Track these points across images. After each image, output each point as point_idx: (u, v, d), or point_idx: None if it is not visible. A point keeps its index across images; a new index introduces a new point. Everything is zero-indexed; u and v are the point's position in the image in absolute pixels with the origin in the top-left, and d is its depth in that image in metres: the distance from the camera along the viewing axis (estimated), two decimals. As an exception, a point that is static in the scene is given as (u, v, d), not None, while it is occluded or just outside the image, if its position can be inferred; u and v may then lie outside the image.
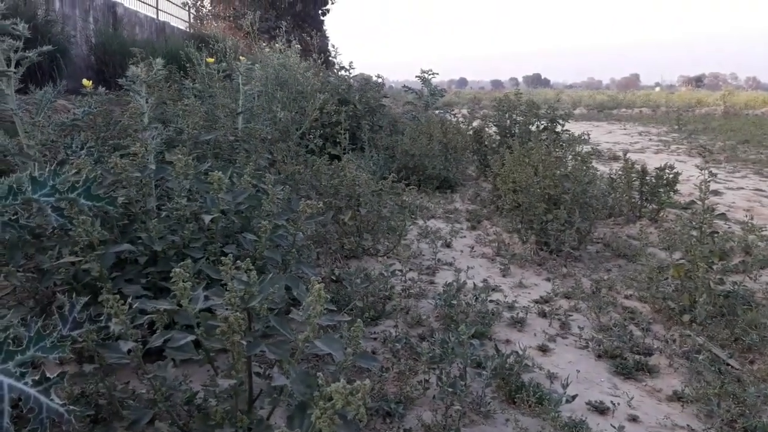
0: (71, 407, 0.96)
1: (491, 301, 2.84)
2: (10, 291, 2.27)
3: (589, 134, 6.68)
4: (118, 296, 1.29)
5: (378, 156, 5.92)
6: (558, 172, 4.21)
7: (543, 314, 2.84)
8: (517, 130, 6.73)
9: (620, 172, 5.10)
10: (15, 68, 2.35)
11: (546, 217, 3.83)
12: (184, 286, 1.30)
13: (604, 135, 13.41)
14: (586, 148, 5.96)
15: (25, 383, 0.96)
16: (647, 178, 4.97)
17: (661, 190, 4.92)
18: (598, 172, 4.71)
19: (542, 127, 6.75)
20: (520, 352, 2.15)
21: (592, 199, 4.03)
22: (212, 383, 1.40)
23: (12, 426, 0.96)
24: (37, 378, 0.97)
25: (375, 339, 2.35)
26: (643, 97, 28.58)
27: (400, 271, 2.72)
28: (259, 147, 3.68)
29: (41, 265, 2.08)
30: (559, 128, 6.71)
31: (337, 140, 5.23)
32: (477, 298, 2.69)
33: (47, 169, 1.19)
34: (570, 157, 4.83)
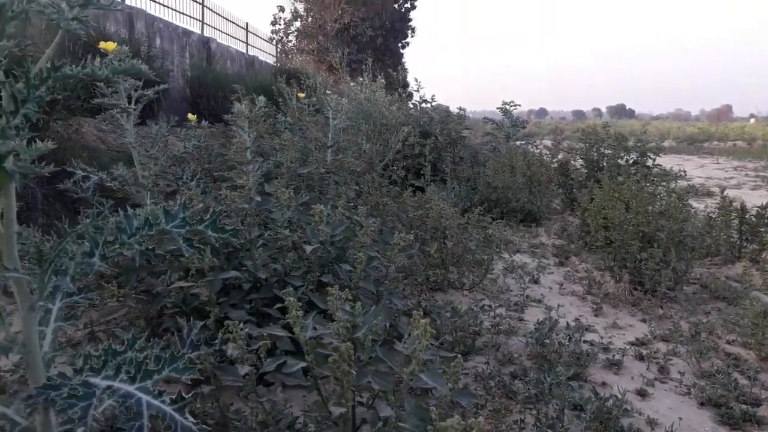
0: (202, 425, 1.03)
1: (585, 341, 2.76)
2: (124, 312, 2.45)
3: (684, 170, 6.40)
4: (236, 322, 1.37)
5: (460, 188, 5.94)
6: (651, 208, 4.07)
7: (640, 357, 2.73)
8: (605, 164, 6.56)
9: (717, 210, 4.85)
10: (134, 105, 2.57)
11: (640, 256, 3.70)
12: (296, 315, 1.36)
13: (695, 169, 12.80)
14: (681, 184, 5.73)
15: (163, 401, 1.04)
16: (747, 216, 4.70)
17: (763, 229, 4.63)
18: (693, 210, 4.52)
19: (632, 161, 6.55)
20: (619, 396, 2.08)
21: (688, 238, 3.86)
22: (317, 409, 1.45)
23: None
24: (174, 397, 1.04)
25: (466, 375, 2.34)
26: (737, 130, 27.12)
27: (489, 306, 2.70)
28: (348, 179, 3.80)
29: (153, 289, 2.24)
30: (650, 162, 6.48)
31: (421, 172, 5.30)
32: (570, 338, 2.63)
33: (179, 202, 1.29)
34: (663, 192, 4.66)
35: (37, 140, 1.20)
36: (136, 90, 2.56)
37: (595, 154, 6.77)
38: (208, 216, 1.31)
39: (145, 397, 1.05)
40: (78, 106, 3.97)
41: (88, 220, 1.23)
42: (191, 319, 1.58)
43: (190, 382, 1.34)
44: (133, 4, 10.43)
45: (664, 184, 5.70)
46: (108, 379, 1.12)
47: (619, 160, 6.51)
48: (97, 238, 1.23)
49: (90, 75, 1.14)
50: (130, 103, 2.38)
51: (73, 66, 1.11)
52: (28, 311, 1.22)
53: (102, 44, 2.14)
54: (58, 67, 1.07)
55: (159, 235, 1.26)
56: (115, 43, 2.26)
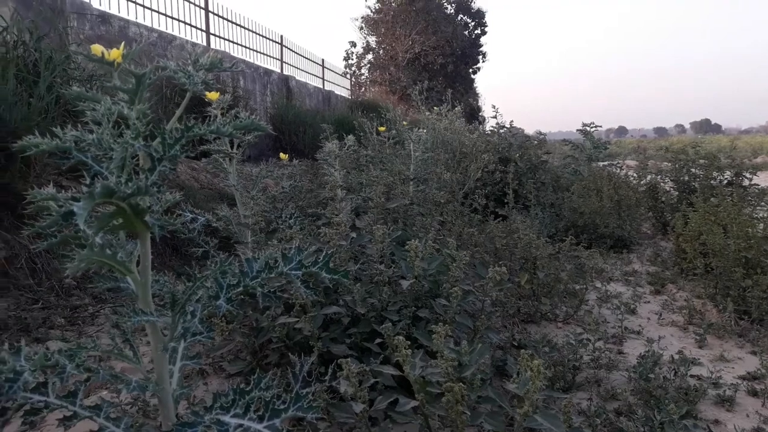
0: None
1: (691, 375, 2.62)
2: (230, 348, 2.56)
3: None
4: (348, 360, 1.41)
5: (543, 214, 5.83)
6: (752, 231, 3.83)
7: (754, 393, 2.56)
8: (697, 185, 6.25)
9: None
10: (236, 149, 2.73)
11: (744, 283, 3.48)
12: (405, 353, 1.39)
13: (797, 185, 11.92)
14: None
15: (291, 440, 1.09)
16: None
17: None
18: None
19: (725, 181, 6.22)
20: (737, 436, 1.95)
21: (798, 263, 3.60)
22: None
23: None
24: (302, 437, 1.09)
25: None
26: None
27: (588, 340, 2.62)
28: (432, 210, 3.83)
29: (259, 324, 2.34)
30: (746, 182, 6.13)
31: (504, 200, 5.25)
32: (676, 372, 2.50)
33: (293, 246, 1.36)
34: (765, 213, 4.38)
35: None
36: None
37: (686, 175, 6.47)
38: (321, 258, 1.37)
39: (274, 437, 1.11)
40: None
41: (212, 265, 1.32)
42: (302, 355, 1.64)
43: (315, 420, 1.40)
44: (217, 47, 11.08)
45: (763, 204, 5.37)
46: (237, 417, 1.18)
47: (712, 181, 6.19)
48: (222, 281, 1.31)
49: (216, 132, 1.23)
50: (232, 147, 2.52)
51: (202, 125, 1.21)
52: (161, 351, 1.31)
53: (208, 95, 2.29)
54: (190, 127, 1.17)
55: (277, 278, 1.33)
56: (217, 93, 2.41)
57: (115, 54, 1.07)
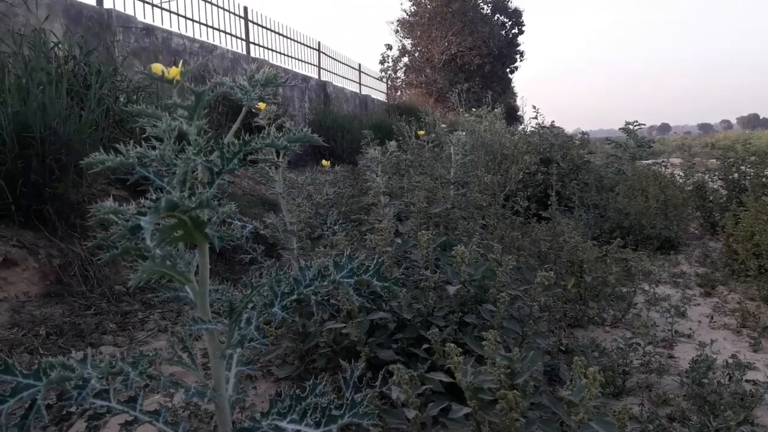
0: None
1: (747, 380, 2.54)
2: (278, 352, 2.60)
3: None
4: (400, 366, 1.42)
5: (587, 215, 5.73)
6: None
7: (814, 398, 2.47)
8: (747, 183, 6.05)
9: None
10: (282, 158, 2.78)
11: (801, 284, 3.36)
12: (458, 360, 1.39)
13: None
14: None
15: (348, 447, 1.11)
16: None
17: None
18: None
19: (778, 178, 5.99)
20: (798, 445, 1.89)
21: None
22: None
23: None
24: (359, 443, 1.10)
25: (620, 417, 2.23)
26: None
27: (638, 344, 2.57)
28: (474, 214, 3.81)
29: (307, 329, 2.37)
30: (800, 178, 5.90)
31: (547, 201, 5.19)
32: (731, 377, 2.43)
33: (345, 255, 1.38)
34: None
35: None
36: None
37: (736, 173, 6.27)
38: (372, 266, 1.39)
39: (331, 443, 1.13)
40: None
41: (268, 274, 1.35)
42: (350, 360, 1.66)
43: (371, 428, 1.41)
44: (256, 55, 11.27)
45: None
46: (294, 423, 1.20)
47: (764, 179, 5.98)
48: (277, 289, 1.34)
49: (272, 145, 1.26)
50: (278, 156, 2.57)
51: (258, 139, 1.24)
52: (218, 358, 1.35)
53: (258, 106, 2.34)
54: (248, 141, 1.20)
55: (330, 285, 1.35)
56: (265, 104, 2.45)
57: (174, 72, 1.11)
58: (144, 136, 1.23)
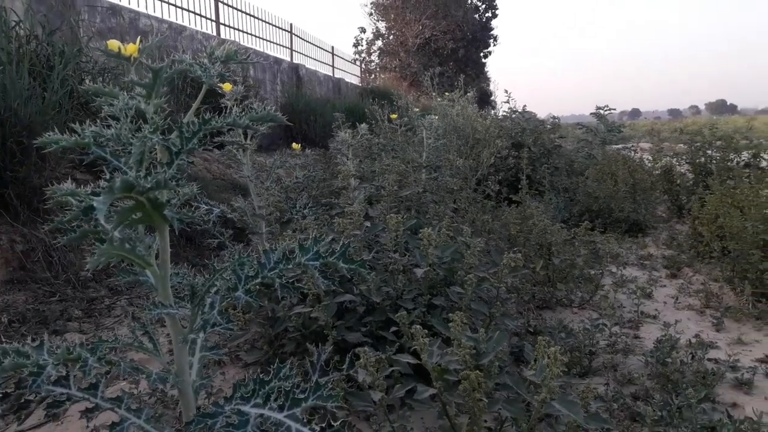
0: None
1: (709, 359, 2.61)
2: (246, 337, 2.58)
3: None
4: (365, 348, 1.42)
5: (557, 199, 5.79)
6: (768, 212, 3.78)
7: (772, 376, 2.55)
8: (713, 167, 6.18)
9: None
10: (250, 140, 2.73)
11: (762, 266, 3.44)
12: (423, 342, 1.39)
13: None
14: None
15: (312, 429, 1.10)
16: None
17: None
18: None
19: (743, 162, 6.13)
20: (755, 418, 1.94)
21: (818, 245, 3.55)
22: (446, 436, 1.47)
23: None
24: (323, 425, 1.10)
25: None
26: None
27: (605, 324, 2.61)
28: (446, 198, 3.82)
29: (275, 314, 2.35)
30: (764, 163, 6.05)
31: (518, 186, 5.22)
32: (693, 356, 2.49)
33: (311, 237, 1.36)
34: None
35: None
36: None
37: (702, 157, 6.39)
38: (338, 248, 1.37)
39: (294, 425, 1.12)
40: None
41: (231, 257, 1.32)
42: (318, 344, 1.65)
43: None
44: (227, 37, 11.06)
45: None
46: (257, 407, 1.19)
47: (729, 163, 6.11)
48: (241, 273, 1.32)
49: (232, 124, 1.24)
50: (246, 138, 2.53)
51: (219, 118, 1.21)
52: (180, 343, 1.32)
53: (222, 86, 2.29)
54: (207, 120, 1.17)
55: (295, 268, 1.33)
56: (231, 86, 2.40)
57: (131, 49, 1.08)
58: (102, 115, 1.19)
